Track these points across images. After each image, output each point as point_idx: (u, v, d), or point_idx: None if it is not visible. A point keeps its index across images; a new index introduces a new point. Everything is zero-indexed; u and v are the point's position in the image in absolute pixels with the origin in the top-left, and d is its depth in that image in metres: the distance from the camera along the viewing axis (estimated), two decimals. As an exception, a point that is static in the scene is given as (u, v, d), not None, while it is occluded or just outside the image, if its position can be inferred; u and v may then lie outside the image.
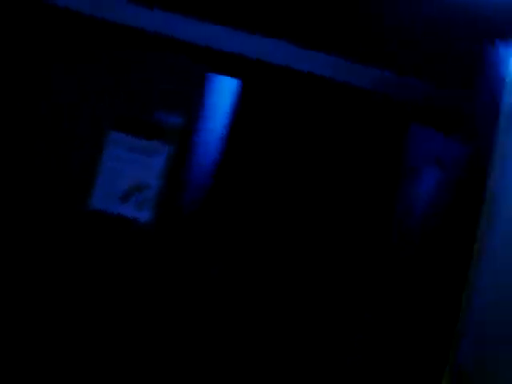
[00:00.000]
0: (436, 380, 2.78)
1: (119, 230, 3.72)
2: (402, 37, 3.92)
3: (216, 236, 5.81)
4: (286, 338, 5.59)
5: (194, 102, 3.84)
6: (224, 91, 4.55)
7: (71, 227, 3.70)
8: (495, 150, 2.68)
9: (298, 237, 6.14)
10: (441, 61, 3.95)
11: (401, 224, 4.06)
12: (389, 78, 3.74)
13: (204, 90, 3.94)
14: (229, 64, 4.11)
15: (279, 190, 6.35)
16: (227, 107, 4.88)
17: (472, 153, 2.90)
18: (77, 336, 3.60)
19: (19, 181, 3.73)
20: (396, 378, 3.25)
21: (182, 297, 4.27)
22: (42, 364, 3.55)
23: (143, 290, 3.67)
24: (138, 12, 3.95)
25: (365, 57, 4.02)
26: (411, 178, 3.78)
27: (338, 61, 3.99)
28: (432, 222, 3.27)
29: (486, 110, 2.91)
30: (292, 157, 6.42)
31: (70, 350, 3.57)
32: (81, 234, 3.70)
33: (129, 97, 3.74)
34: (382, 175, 5.41)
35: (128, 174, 3.74)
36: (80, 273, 3.67)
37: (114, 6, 3.93)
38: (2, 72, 3.73)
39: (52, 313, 3.66)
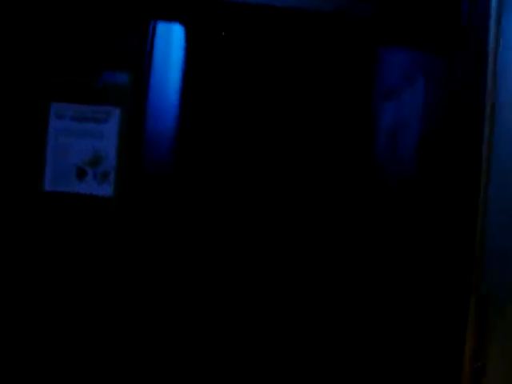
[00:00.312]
0: (463, 306, 2.58)
1: (79, 211, 3.33)
2: None
3: (184, 204, 5.46)
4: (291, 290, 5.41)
5: (140, 56, 3.40)
6: (172, 39, 4.11)
7: (25, 214, 3.31)
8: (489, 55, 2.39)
9: (278, 181, 5.77)
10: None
11: (386, 150, 3.81)
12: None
13: (150, 41, 3.50)
14: (174, 8, 3.67)
15: (250, 134, 5.92)
16: (178, 57, 4.44)
17: (461, 63, 2.63)
18: (38, 320, 3.26)
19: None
20: (421, 309, 3.05)
21: (150, 280, 3.95)
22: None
23: (111, 274, 3.33)
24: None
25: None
26: (390, 98, 3.55)
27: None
28: (430, 142, 3.01)
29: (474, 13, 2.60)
30: (262, 95, 5.98)
31: (31, 334, 3.24)
32: (37, 221, 3.31)
33: (65, 58, 3.28)
34: (357, 100, 5.10)
35: (79, 148, 3.33)
36: (40, 261, 3.30)
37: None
38: None
39: (13, 303, 3.30)
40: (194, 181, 5.51)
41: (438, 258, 2.92)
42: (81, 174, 3.34)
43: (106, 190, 3.35)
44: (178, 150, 4.53)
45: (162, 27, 3.68)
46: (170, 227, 4.55)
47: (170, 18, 3.69)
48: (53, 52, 3.30)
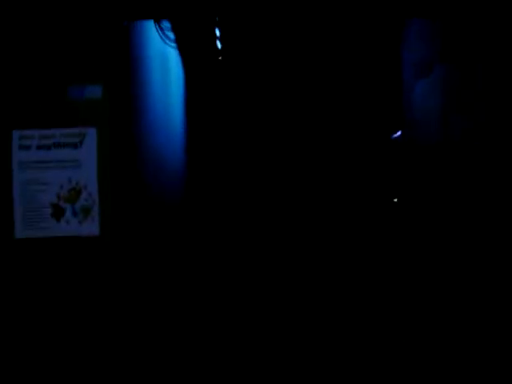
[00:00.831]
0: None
1: (60, 256, 2.73)
2: None
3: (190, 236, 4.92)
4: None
5: (117, 64, 2.82)
6: (154, 44, 3.53)
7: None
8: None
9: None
10: None
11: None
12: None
13: (128, 45, 2.92)
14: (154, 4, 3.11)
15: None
16: (164, 63, 3.86)
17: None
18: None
19: None
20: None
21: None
22: None
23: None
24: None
25: None
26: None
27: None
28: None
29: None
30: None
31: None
32: (11, 273, 2.71)
33: (24, 73, 2.69)
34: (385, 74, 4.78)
35: (52, 181, 2.74)
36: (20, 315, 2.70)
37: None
38: None
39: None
40: (201, 209, 4.94)
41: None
42: (57, 212, 2.74)
43: (90, 228, 2.75)
44: (175, 170, 3.95)
45: (140, 29, 3.11)
46: (175, 267, 3.94)
47: (149, 16, 3.12)
48: (10, 66, 2.72)
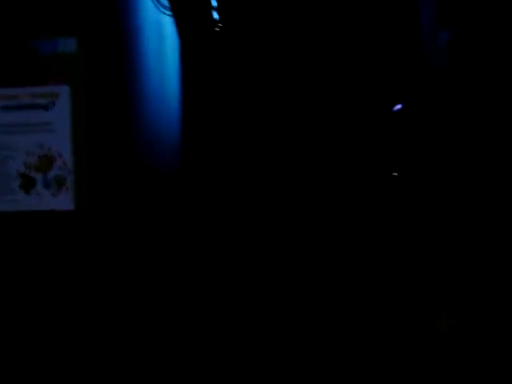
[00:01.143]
0: None
1: (31, 234, 2.40)
2: None
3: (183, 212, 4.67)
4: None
5: (95, 14, 2.47)
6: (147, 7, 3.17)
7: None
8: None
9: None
10: None
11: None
12: None
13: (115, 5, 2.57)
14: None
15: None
16: (158, 26, 3.49)
17: None
18: None
19: None
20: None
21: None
22: None
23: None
24: None
25: None
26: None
27: None
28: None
29: None
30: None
31: None
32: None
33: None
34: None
35: (21, 147, 2.40)
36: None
37: None
38: None
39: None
40: (194, 184, 4.64)
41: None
42: (26, 183, 2.41)
43: (64, 202, 2.42)
44: (166, 139, 3.61)
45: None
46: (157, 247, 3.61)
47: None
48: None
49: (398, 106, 5.17)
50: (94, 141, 2.44)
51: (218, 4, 5.79)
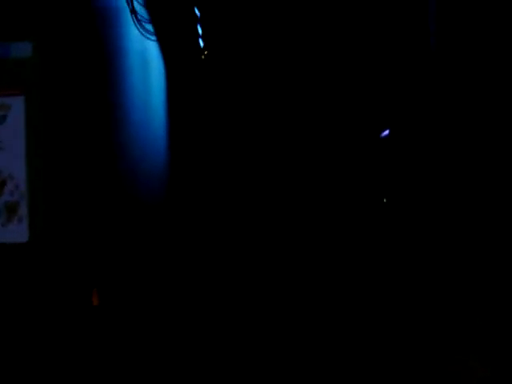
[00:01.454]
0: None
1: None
2: None
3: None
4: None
5: (51, 17, 2.14)
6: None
7: None
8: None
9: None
10: None
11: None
12: None
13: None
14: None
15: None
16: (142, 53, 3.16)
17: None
18: None
19: None
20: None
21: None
22: None
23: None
24: None
25: None
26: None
27: None
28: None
29: None
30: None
31: None
32: None
33: None
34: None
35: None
36: None
37: None
38: None
39: None
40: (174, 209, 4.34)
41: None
42: (-28, 210, 2.04)
43: (17, 232, 2.04)
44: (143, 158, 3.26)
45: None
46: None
47: None
48: None
49: (386, 132, 4.96)
50: (52, 161, 2.08)
51: (203, 32, 5.57)
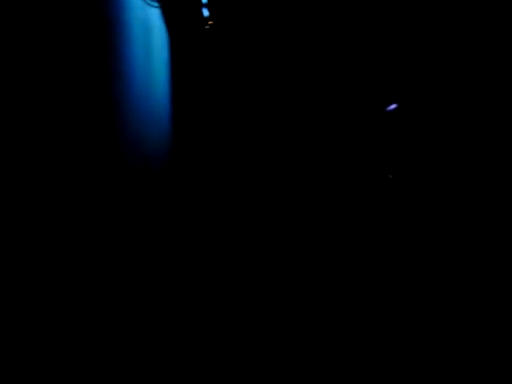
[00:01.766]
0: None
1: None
2: None
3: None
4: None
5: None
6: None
7: None
8: None
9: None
10: None
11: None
12: None
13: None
14: None
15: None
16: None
17: None
18: None
19: None
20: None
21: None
22: None
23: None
24: None
25: None
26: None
27: None
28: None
29: None
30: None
31: None
32: None
33: None
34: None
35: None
36: None
37: None
38: None
39: None
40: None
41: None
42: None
43: None
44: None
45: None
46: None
47: None
48: None
49: (393, 106, 4.95)
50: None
51: (208, 1, 5.55)
